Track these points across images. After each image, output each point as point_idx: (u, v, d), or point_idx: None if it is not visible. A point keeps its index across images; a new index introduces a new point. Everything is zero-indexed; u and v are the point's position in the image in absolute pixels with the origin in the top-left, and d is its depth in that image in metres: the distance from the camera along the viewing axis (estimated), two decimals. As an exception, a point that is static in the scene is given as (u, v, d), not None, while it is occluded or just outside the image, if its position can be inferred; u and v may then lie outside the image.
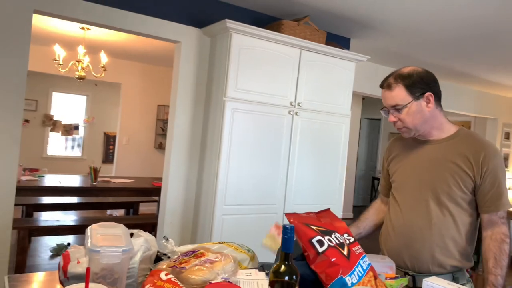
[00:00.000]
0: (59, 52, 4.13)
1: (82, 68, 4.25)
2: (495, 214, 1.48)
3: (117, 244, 0.92)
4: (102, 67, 4.28)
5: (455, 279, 1.52)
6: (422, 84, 1.50)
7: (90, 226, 1.04)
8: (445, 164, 1.51)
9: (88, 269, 0.81)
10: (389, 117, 1.54)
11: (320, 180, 3.29)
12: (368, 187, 9.42)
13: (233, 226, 2.88)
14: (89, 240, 0.94)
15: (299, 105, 3.10)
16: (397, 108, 1.50)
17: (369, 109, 8.78)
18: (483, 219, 1.51)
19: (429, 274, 1.48)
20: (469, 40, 3.70)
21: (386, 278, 1.28)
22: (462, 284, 1.50)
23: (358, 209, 1.71)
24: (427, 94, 1.49)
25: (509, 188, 6.74)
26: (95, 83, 8.52)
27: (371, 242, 1.93)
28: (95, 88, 8.79)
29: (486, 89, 6.26)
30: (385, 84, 1.53)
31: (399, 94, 1.48)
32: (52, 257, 4.19)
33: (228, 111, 2.82)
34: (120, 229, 1.03)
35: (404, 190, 1.61)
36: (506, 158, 6.90)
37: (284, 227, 0.91)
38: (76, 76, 4.27)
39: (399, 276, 1.34)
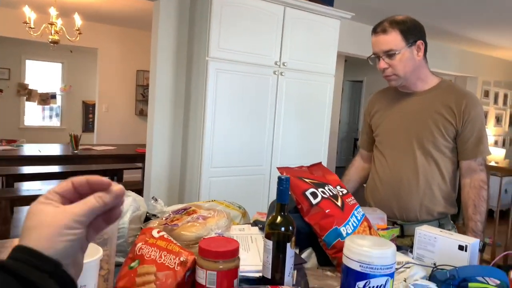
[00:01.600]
0: (29, 14, 3.91)
1: (56, 32, 4.04)
2: (474, 161, 1.53)
3: (105, 201, 0.89)
4: (77, 30, 4.08)
5: (441, 225, 1.58)
6: (416, 31, 1.50)
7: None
8: (429, 114, 1.53)
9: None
10: (380, 63, 1.52)
11: (305, 141, 3.28)
12: (350, 148, 9.54)
13: (221, 189, 2.87)
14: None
15: (284, 65, 3.03)
16: (389, 54, 1.48)
17: (352, 71, 8.74)
18: (462, 166, 1.56)
19: (417, 222, 1.54)
20: (453, -4, 3.64)
21: (378, 229, 1.28)
22: (448, 230, 1.54)
23: (341, 170, 1.74)
24: (419, 42, 1.50)
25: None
26: (70, 49, 8.18)
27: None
28: (70, 54, 8.46)
29: (468, 48, 6.26)
30: (380, 29, 1.49)
31: (395, 39, 1.47)
32: (36, 227, 4.14)
33: (212, 71, 2.74)
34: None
35: (390, 142, 1.64)
36: (485, 116, 7.02)
37: (280, 178, 0.89)
38: (50, 40, 4.07)
39: (390, 227, 1.35)
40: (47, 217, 0.46)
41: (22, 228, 0.47)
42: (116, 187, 0.51)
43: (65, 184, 0.50)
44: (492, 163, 6.09)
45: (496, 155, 6.64)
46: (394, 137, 1.61)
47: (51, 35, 4.06)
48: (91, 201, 0.48)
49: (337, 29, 3.31)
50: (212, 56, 2.73)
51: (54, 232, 0.45)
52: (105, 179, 0.51)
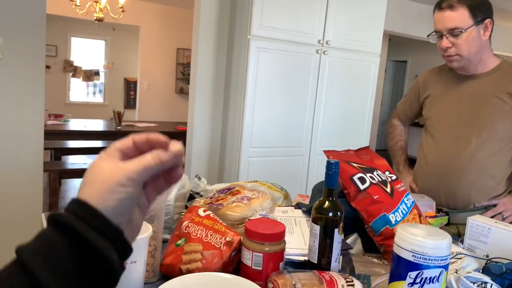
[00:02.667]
0: (76, -8, 4.00)
1: (100, 9, 4.12)
2: None
3: (153, 179, 0.90)
4: (120, 8, 4.14)
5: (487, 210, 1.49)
6: (485, 9, 1.38)
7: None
8: (489, 99, 1.44)
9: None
10: (442, 42, 1.41)
11: (346, 123, 3.21)
12: (391, 131, 9.27)
13: (259, 169, 2.87)
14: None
15: (327, 43, 2.95)
16: (455, 32, 1.38)
17: (395, 50, 8.42)
18: None
19: (464, 210, 1.47)
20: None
21: (426, 217, 1.24)
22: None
23: (381, 154, 1.67)
24: (487, 20, 1.39)
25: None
26: (113, 27, 8.37)
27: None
28: (113, 32, 8.64)
29: (523, 27, 5.86)
30: (445, 4, 1.38)
31: (462, 16, 1.36)
32: (82, 198, 4.33)
33: (253, 50, 2.70)
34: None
35: (443, 126, 1.55)
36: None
37: (328, 162, 0.86)
38: (95, 17, 4.16)
39: (439, 215, 1.30)
40: (103, 172, 0.44)
41: (80, 183, 0.46)
42: (175, 146, 0.48)
43: (126, 140, 0.48)
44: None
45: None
46: (448, 121, 1.53)
47: (96, 12, 4.15)
48: (147, 159, 0.46)
49: (384, 5, 3.17)
50: (254, 35, 2.69)
51: (106, 188, 0.43)
52: (164, 137, 0.48)
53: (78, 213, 0.41)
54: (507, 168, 1.49)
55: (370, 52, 3.18)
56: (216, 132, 3.16)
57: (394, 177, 1.11)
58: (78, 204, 0.42)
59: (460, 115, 1.49)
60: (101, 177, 0.44)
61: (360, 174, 1.04)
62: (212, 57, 3.06)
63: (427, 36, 1.49)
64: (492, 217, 1.44)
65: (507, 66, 1.47)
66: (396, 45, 8.07)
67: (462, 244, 1.16)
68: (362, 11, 3.07)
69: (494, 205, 1.49)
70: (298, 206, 1.25)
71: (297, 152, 3.02)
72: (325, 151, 1.08)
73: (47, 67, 8.10)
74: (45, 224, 1.25)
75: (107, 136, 4.26)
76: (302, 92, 2.95)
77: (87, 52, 8.77)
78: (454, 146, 1.50)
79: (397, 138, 1.79)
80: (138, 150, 0.48)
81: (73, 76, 8.59)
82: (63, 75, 8.50)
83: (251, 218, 0.99)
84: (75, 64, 8.54)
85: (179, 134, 4.30)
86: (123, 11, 4.23)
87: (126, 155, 0.47)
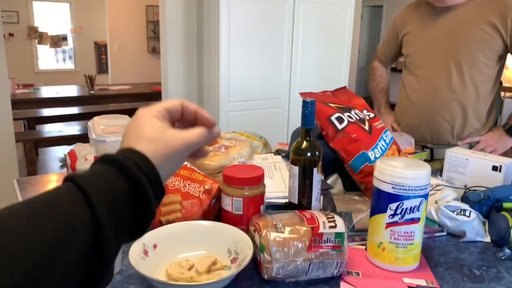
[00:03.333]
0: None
1: (58, -34, 3.85)
2: None
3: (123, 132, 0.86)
4: (80, -37, 3.88)
5: (471, 147, 1.52)
6: None
7: (91, 119, 0.96)
8: (469, 30, 1.42)
9: (95, 158, 0.75)
10: None
11: (324, 71, 3.16)
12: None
13: (240, 123, 2.83)
14: (93, 132, 0.87)
15: (300, -11, 2.84)
16: None
17: (371, -4, 8.25)
18: None
19: (448, 145, 1.48)
20: None
21: (405, 153, 1.24)
22: None
23: (393, 106, 1.68)
24: None
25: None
26: (76, -13, 7.92)
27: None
28: (77, -7, 8.19)
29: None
30: None
31: None
32: (62, 167, 4.26)
33: (224, -1, 2.58)
34: (125, 120, 0.95)
35: (423, 62, 1.54)
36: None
37: (304, 101, 0.83)
38: (53, -24, 3.89)
39: (418, 151, 1.31)
40: (166, 135, 0.45)
41: (129, 131, 0.46)
42: (218, 129, 0.51)
43: (175, 103, 0.49)
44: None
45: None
46: (429, 57, 1.51)
47: (54, -30, 3.88)
48: (204, 134, 0.48)
49: None
50: (224, -18, 2.57)
51: (170, 153, 0.44)
52: (211, 117, 0.51)
53: (142, 168, 0.41)
54: (488, 101, 1.51)
55: (345, -4, 3.08)
56: (192, 89, 3.09)
57: (372, 115, 1.09)
58: (142, 159, 0.42)
59: (440, 48, 1.48)
60: (164, 139, 0.44)
61: (337, 114, 1.02)
62: (181, 11, 2.92)
63: None
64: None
65: None
66: (371, -10, 7.90)
67: (442, 176, 1.17)
68: (334, -48, 2.94)
69: (478, 142, 1.52)
70: (277, 152, 1.24)
71: (276, 103, 2.99)
72: (301, 93, 1.05)
73: (10, 35, 7.69)
74: (18, 190, 1.20)
75: (81, 101, 4.13)
76: (278, 42, 2.87)
77: (52, 16, 8.32)
78: (435, 81, 1.50)
79: (378, 80, 1.78)
80: (183, 117, 0.50)
81: (40, 43, 8.19)
82: (29, 42, 8.10)
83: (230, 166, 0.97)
84: (40, 30, 8.12)
85: (155, 95, 4.20)
86: (83, -33, 3.97)
87: (172, 118, 0.49)
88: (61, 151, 4.64)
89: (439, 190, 1.01)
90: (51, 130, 4.10)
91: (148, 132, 0.45)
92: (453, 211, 0.91)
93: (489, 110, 1.53)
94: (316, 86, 3.14)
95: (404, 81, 1.63)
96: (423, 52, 1.53)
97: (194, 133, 0.47)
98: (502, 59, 1.47)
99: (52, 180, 1.29)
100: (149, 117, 0.46)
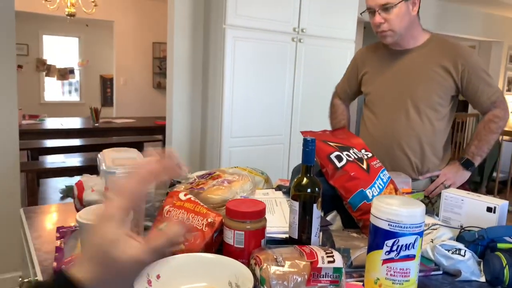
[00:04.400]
0: (45, -13, 3.90)
1: (72, 4, 4.03)
2: (489, 104, 1.54)
3: (133, 165, 0.90)
4: (93, 2, 4.06)
5: (432, 181, 1.60)
6: None
7: (102, 151, 1.01)
8: (424, 72, 1.52)
9: (106, 188, 0.78)
10: (375, 18, 1.48)
11: (325, 109, 3.23)
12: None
13: (241, 158, 2.88)
14: (103, 163, 0.91)
15: (302, 31, 2.96)
16: (386, 7, 1.45)
17: (371, 38, 8.51)
18: (482, 114, 1.58)
19: (411, 179, 1.53)
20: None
21: (403, 193, 1.27)
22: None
23: None
24: None
25: None
26: (86, 23, 8.20)
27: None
28: (86, 28, 8.47)
29: (493, 11, 6.00)
30: None
31: None
32: (62, 198, 4.27)
33: (229, 39, 2.70)
34: (134, 153, 1.00)
35: (382, 101, 1.63)
36: (510, 82, 6.79)
37: (305, 140, 0.88)
38: (66, 12, 4.07)
39: (415, 191, 1.34)
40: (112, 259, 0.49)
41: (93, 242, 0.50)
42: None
43: (136, 193, 0.58)
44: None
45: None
46: (387, 96, 1.60)
47: (67, 7, 4.06)
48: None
49: (357, -7, 3.20)
50: (230, 24, 2.69)
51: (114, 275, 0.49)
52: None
53: None
54: (444, 137, 1.60)
55: (345, 39, 3.21)
56: (196, 124, 3.15)
57: (370, 154, 1.14)
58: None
59: (397, 88, 1.57)
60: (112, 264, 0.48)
61: (336, 153, 1.06)
62: (188, 49, 3.04)
63: (361, 14, 1.57)
64: (436, 188, 1.56)
65: (437, 39, 1.55)
66: (371, 32, 8.16)
67: (437, 216, 1.20)
68: (336, -2, 3.09)
69: (437, 176, 1.59)
70: (279, 188, 1.27)
71: (277, 140, 3.04)
72: (302, 132, 1.10)
73: (19, 66, 7.89)
74: (24, 219, 1.22)
75: (85, 133, 4.19)
76: (280, 81, 2.96)
77: (60, 50, 8.57)
78: (394, 119, 1.58)
79: (340, 117, 1.86)
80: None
81: (47, 75, 8.40)
82: (36, 74, 8.30)
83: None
84: (48, 62, 8.34)
85: (158, 129, 4.27)
86: (95, 5, 4.15)
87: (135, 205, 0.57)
88: (62, 182, 4.66)
89: (435, 229, 1.03)
90: (53, 161, 4.14)
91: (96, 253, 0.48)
92: (448, 250, 0.93)
93: (445, 146, 1.61)
94: (317, 123, 3.20)
95: (365, 119, 1.70)
96: (381, 92, 1.62)
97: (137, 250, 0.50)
98: (454, 99, 1.58)
99: (56, 210, 1.32)
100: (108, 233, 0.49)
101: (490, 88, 1.52)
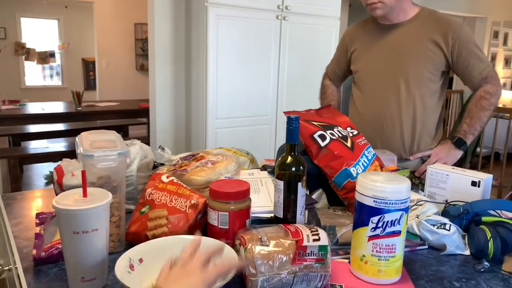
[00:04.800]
0: (19, -34, 3.74)
1: (48, -16, 3.88)
2: (480, 80, 1.50)
3: (111, 147, 0.87)
4: (69, -19, 3.91)
5: (423, 161, 1.57)
6: None
7: (79, 135, 0.97)
8: (413, 47, 1.49)
9: (83, 171, 0.76)
10: None
11: (311, 89, 3.21)
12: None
13: (227, 139, 2.86)
14: (81, 147, 0.88)
15: (286, 9, 2.91)
16: None
17: (357, 16, 8.44)
18: (472, 88, 1.55)
19: (400, 160, 1.55)
20: None
21: (388, 170, 1.27)
22: None
23: None
24: None
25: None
26: (65, 5, 7.95)
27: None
28: (65, 10, 8.22)
29: (477, -14, 5.99)
30: None
31: None
32: (47, 184, 4.21)
33: (212, 18, 2.64)
34: (113, 135, 0.96)
35: (372, 78, 1.59)
36: (493, 58, 6.84)
37: (289, 118, 0.86)
38: (42, -7, 3.92)
39: (400, 168, 1.34)
40: None
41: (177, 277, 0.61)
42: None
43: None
44: (500, 105, 6.02)
45: (504, 98, 6.54)
46: (376, 72, 1.57)
47: (44, -12, 3.91)
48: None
49: (342, -32, 3.15)
50: (212, 2, 2.62)
51: None
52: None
53: None
54: (436, 115, 1.57)
55: (330, 16, 3.17)
56: (180, 106, 3.11)
57: (355, 132, 1.13)
58: None
59: (387, 64, 1.54)
60: None
61: (320, 132, 1.04)
62: (170, 29, 2.97)
63: None
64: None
65: (427, 13, 1.52)
66: (357, 10, 8.09)
67: (423, 192, 1.20)
68: (320, -26, 3.04)
69: (429, 156, 1.56)
70: (264, 168, 1.26)
71: (263, 121, 3.02)
72: (285, 112, 1.07)
73: (-3, 50, 7.65)
74: (2, 206, 1.19)
75: (68, 117, 4.11)
76: (265, 60, 2.92)
77: (39, 33, 8.32)
78: (384, 97, 1.55)
79: (330, 98, 1.82)
80: None
81: (27, 59, 8.16)
82: (16, 58, 8.06)
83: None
84: (27, 46, 8.10)
85: (143, 112, 4.20)
86: (72, -15, 4.01)
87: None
88: (46, 168, 4.59)
89: (421, 205, 1.03)
90: (36, 146, 4.06)
91: None
92: (433, 225, 0.93)
93: (437, 124, 1.59)
94: (303, 103, 3.18)
95: (354, 97, 1.67)
96: (370, 69, 1.59)
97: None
98: (444, 75, 1.55)
99: (37, 196, 1.29)
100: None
101: (481, 63, 1.48)
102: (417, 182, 1.58)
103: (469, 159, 4.66)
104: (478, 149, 4.42)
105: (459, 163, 1.66)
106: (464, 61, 1.48)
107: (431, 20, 1.50)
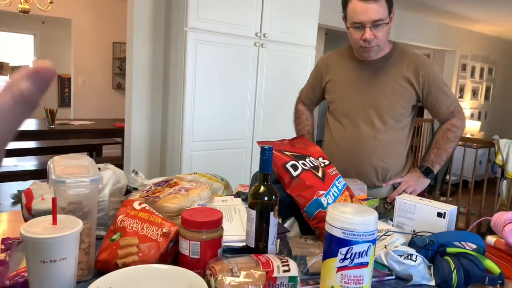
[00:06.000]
0: (-3, -18, 3.71)
1: (25, 0, 3.86)
2: (447, 114, 1.60)
3: (84, 174, 0.86)
4: (48, -1, 3.91)
5: (395, 188, 1.64)
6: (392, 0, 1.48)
7: (51, 159, 0.96)
8: (387, 83, 1.56)
9: (54, 199, 0.75)
10: (366, 34, 1.45)
11: (287, 114, 3.26)
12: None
13: (203, 162, 2.85)
14: (53, 172, 0.87)
15: (264, 36, 2.98)
16: (377, 24, 1.44)
17: (332, 44, 8.69)
18: (439, 121, 1.64)
19: (375, 187, 1.61)
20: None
21: (358, 200, 1.30)
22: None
23: (319, 144, 1.74)
24: (393, 11, 1.49)
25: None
26: (42, 20, 7.86)
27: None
28: (42, 26, 8.12)
29: (446, 21, 6.29)
30: None
31: (383, 7, 1.43)
32: (14, 203, 4.06)
33: (191, 42, 2.67)
34: (85, 160, 0.96)
35: (347, 109, 1.64)
36: (461, 89, 7.14)
37: (262, 148, 0.88)
38: (19, 9, 3.89)
39: (370, 197, 1.37)
40: None
41: None
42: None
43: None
44: (468, 135, 6.25)
45: (472, 128, 6.80)
46: (351, 104, 1.62)
47: (21, 3, 3.88)
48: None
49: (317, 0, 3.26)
50: (191, 27, 2.66)
51: None
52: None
53: None
54: (406, 146, 1.65)
55: (306, 45, 3.26)
56: (156, 127, 3.10)
57: (327, 162, 1.15)
58: None
59: (362, 97, 1.60)
60: None
61: (292, 162, 1.07)
62: (148, 50, 2.98)
63: (347, 28, 1.52)
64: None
65: (400, 51, 1.59)
66: (333, 38, 8.34)
67: (392, 221, 1.24)
68: (297, 5, 3.14)
69: (399, 184, 1.63)
70: (238, 194, 1.27)
71: (239, 144, 3.04)
72: (258, 142, 1.10)
73: (-32, 64, 7.46)
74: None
75: (40, 135, 4.01)
76: (242, 85, 2.96)
77: (14, 47, 8.17)
78: (359, 127, 1.60)
79: (304, 123, 1.86)
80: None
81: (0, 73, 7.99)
82: (-13, 72, 7.88)
83: (189, 208, 0.98)
84: (1, 60, 7.94)
85: (117, 131, 4.16)
86: (51, 2, 4.00)
87: None
88: (14, 187, 4.44)
89: (389, 235, 1.06)
90: (5, 164, 3.94)
91: None
92: (400, 256, 0.96)
93: (407, 154, 1.67)
94: (279, 127, 3.23)
95: (330, 125, 1.71)
96: (346, 101, 1.64)
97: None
98: (414, 108, 1.64)
99: (3, 220, 1.25)
100: None
101: (449, 99, 1.58)
102: (389, 207, 1.62)
103: (439, 187, 4.80)
104: (447, 177, 4.57)
105: (429, 190, 1.72)
106: (433, 97, 1.56)
107: (404, 57, 1.57)
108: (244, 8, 2.85)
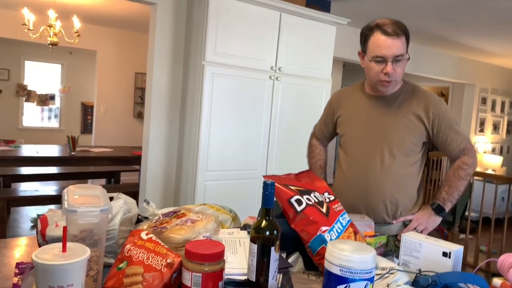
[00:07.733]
0: (28, 16, 3.94)
1: (54, 34, 4.07)
2: (458, 152, 1.59)
3: (95, 203, 0.91)
4: (76, 32, 4.11)
5: (406, 225, 1.61)
6: (409, 37, 1.51)
7: (66, 188, 1.02)
8: (398, 119, 1.58)
9: (64, 228, 0.79)
10: (388, 68, 1.46)
11: (300, 144, 3.29)
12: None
13: (215, 192, 2.89)
14: (66, 201, 0.92)
15: (279, 70, 3.06)
16: (398, 59, 1.46)
17: (350, 76, 8.77)
18: (452, 160, 1.62)
19: (384, 223, 1.59)
20: (452, 5, 3.68)
21: (365, 236, 1.30)
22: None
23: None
24: (408, 48, 1.51)
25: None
26: (69, 51, 8.23)
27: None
28: (69, 56, 8.49)
29: (465, 55, 6.30)
30: (392, 31, 1.44)
31: (403, 44, 1.46)
32: (33, 227, 4.15)
33: (208, 76, 2.76)
34: (97, 190, 1.01)
35: (357, 144, 1.66)
36: (482, 123, 7.05)
37: (265, 183, 0.91)
38: (48, 42, 4.10)
39: (378, 234, 1.37)
40: None
41: None
42: None
43: None
44: (489, 171, 6.13)
45: (493, 163, 6.67)
46: (361, 139, 1.63)
47: (50, 37, 4.09)
48: None
49: (333, 34, 3.34)
50: (208, 61, 2.76)
51: None
52: None
53: None
54: (417, 182, 1.64)
55: (321, 78, 3.32)
56: (172, 156, 3.17)
57: (332, 197, 1.17)
58: None
59: (372, 133, 1.61)
60: None
61: (297, 197, 1.09)
62: (167, 81, 3.09)
63: (370, 60, 1.51)
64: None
65: (411, 88, 1.61)
66: (350, 70, 8.42)
67: (398, 259, 1.23)
68: (313, 39, 3.22)
69: (410, 221, 1.60)
70: (244, 227, 1.29)
71: (252, 175, 3.07)
72: (264, 176, 1.13)
73: (-1, 91, 7.81)
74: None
75: (61, 162, 4.14)
76: (257, 117, 3.02)
77: (42, 75, 8.54)
78: (368, 162, 1.61)
79: (317, 157, 1.88)
80: None
81: (27, 100, 8.31)
82: (16, 99, 8.21)
83: (194, 240, 1.01)
84: (29, 88, 8.28)
85: (135, 159, 4.25)
86: (78, 35, 4.20)
87: None
88: (34, 211, 4.55)
89: (393, 273, 1.06)
90: (26, 189, 4.06)
91: None
92: (402, 295, 0.96)
93: (418, 190, 1.65)
94: (292, 160, 3.25)
95: (340, 159, 1.72)
96: (356, 135, 1.65)
97: None
98: (425, 145, 1.63)
99: (19, 245, 1.30)
100: None
101: (459, 136, 1.57)
102: (400, 245, 1.60)
103: (458, 223, 4.68)
104: (467, 213, 4.46)
105: (448, 227, 1.69)
106: (443, 134, 1.56)
107: (414, 94, 1.59)
108: (260, 43, 2.95)
